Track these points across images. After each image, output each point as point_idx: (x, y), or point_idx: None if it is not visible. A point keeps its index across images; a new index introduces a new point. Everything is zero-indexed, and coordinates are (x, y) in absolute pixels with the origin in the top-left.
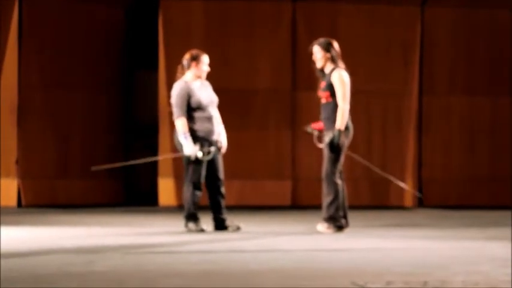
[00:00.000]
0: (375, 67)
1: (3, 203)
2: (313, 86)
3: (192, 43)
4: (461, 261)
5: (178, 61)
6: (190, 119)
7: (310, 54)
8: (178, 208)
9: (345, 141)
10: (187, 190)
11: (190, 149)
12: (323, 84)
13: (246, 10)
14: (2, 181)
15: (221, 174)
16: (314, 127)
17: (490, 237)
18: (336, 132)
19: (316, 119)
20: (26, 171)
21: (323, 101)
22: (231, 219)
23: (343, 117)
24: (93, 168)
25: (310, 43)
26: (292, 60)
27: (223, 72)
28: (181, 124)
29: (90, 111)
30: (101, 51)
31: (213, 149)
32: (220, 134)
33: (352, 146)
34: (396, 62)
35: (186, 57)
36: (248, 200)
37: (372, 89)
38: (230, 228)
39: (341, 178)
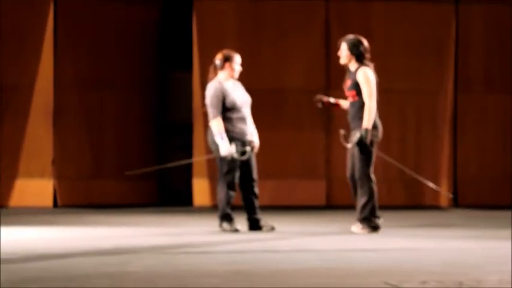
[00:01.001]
0: (409, 66)
1: (39, 204)
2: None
3: (224, 43)
4: (496, 260)
5: (212, 61)
6: (224, 119)
7: (338, 48)
8: (212, 208)
9: (375, 140)
10: (221, 190)
11: (226, 149)
12: (348, 82)
13: (278, 10)
14: (38, 182)
15: (255, 175)
16: (325, 102)
17: None
18: (364, 132)
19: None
20: (62, 172)
21: (349, 99)
22: (265, 220)
23: (370, 115)
24: (127, 172)
25: None
26: (325, 60)
27: (256, 72)
28: (217, 124)
29: (124, 112)
30: (135, 51)
31: (248, 149)
32: (253, 134)
33: (386, 146)
34: (431, 61)
35: (219, 57)
36: (282, 200)
37: (406, 88)
38: (264, 228)
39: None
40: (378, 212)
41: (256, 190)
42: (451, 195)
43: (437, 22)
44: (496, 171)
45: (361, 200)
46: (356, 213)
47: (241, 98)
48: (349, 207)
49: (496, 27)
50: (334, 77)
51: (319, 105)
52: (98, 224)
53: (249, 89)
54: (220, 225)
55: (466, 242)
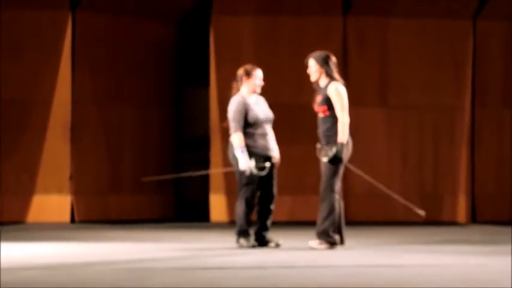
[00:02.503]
0: (427, 81)
1: (56, 219)
2: (364, 101)
3: (242, 58)
4: None
5: (229, 76)
6: (246, 134)
7: (306, 66)
8: (229, 224)
9: (346, 155)
10: (239, 206)
11: (246, 163)
12: (319, 98)
13: (296, 25)
14: (56, 197)
15: (275, 191)
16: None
17: None
18: (339, 146)
19: (367, 134)
20: (79, 187)
21: (320, 115)
22: (271, 235)
23: (344, 129)
24: (144, 179)
25: (360, 58)
26: (342, 75)
27: (273, 87)
28: (238, 138)
29: (141, 126)
30: (152, 66)
31: (268, 164)
32: (274, 150)
33: (404, 160)
34: (448, 76)
35: (239, 72)
36: (299, 215)
37: (423, 104)
38: (270, 244)
39: (339, 193)
40: (344, 230)
41: (272, 207)
42: (423, 213)
43: (454, 37)
44: None
45: (321, 214)
46: (315, 227)
47: (263, 113)
48: (366, 223)
49: None
50: (352, 92)
51: (318, 146)
52: (115, 240)
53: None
54: (238, 241)
55: (485, 258)
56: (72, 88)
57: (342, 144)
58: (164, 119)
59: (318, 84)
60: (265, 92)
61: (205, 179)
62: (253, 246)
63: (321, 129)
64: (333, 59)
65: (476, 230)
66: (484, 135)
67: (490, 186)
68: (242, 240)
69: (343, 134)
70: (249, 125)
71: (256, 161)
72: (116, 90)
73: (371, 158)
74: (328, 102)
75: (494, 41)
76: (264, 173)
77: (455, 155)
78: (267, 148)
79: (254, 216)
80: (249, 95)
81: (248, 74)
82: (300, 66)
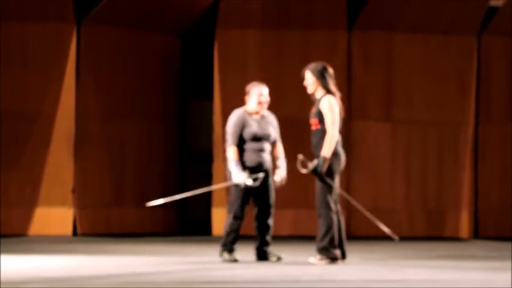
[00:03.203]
0: (431, 96)
1: (59, 232)
2: (368, 115)
3: (247, 72)
4: None
5: (233, 89)
6: (242, 149)
7: (303, 78)
8: None
9: (336, 168)
10: (227, 220)
11: (238, 177)
12: (313, 110)
13: (301, 39)
14: (59, 210)
15: (271, 205)
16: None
17: None
18: (321, 160)
19: (371, 148)
20: (82, 200)
21: (312, 128)
22: (272, 250)
23: (330, 144)
24: (148, 204)
25: (365, 72)
26: (347, 90)
27: (278, 102)
28: (232, 152)
29: (145, 140)
30: (157, 79)
31: (261, 175)
32: (280, 167)
33: (408, 176)
34: (453, 91)
35: (246, 88)
36: (302, 229)
37: (428, 119)
38: (270, 258)
39: (336, 207)
40: (345, 244)
41: (270, 222)
42: (396, 238)
43: (459, 53)
44: None
45: (320, 230)
46: (315, 244)
47: (262, 131)
48: (369, 237)
49: None
50: (357, 107)
51: (300, 157)
52: (117, 253)
53: None
54: (221, 255)
55: (487, 273)
56: (76, 101)
57: (324, 158)
58: (168, 132)
59: (315, 96)
60: (270, 106)
61: (208, 193)
62: (235, 261)
63: (312, 142)
64: (330, 70)
65: (479, 246)
66: (488, 151)
67: (493, 201)
68: (225, 254)
69: (329, 148)
70: (244, 140)
71: (249, 174)
72: (119, 103)
73: (374, 172)
74: (319, 115)
75: (498, 57)
76: (257, 183)
77: (459, 170)
78: (261, 164)
79: (254, 231)
80: (253, 111)
81: (247, 93)
82: (304, 81)
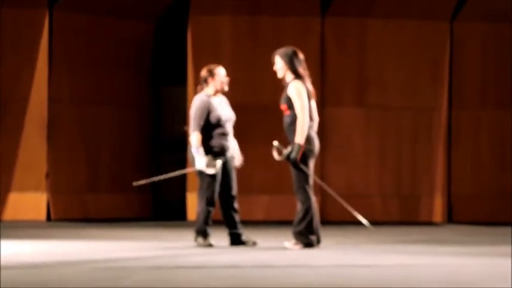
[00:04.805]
0: (405, 82)
1: (32, 217)
2: (342, 101)
3: (220, 58)
4: (491, 278)
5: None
6: (206, 134)
7: (273, 63)
8: None
9: (309, 154)
10: (199, 205)
11: (201, 163)
12: (283, 95)
13: (274, 25)
14: (32, 195)
15: (234, 190)
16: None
17: None
18: (296, 147)
19: (344, 134)
20: (56, 186)
21: (284, 113)
22: (247, 235)
23: (302, 130)
24: (135, 183)
25: (338, 58)
26: (320, 76)
27: (251, 87)
28: (195, 138)
29: (119, 126)
30: (130, 65)
31: (218, 162)
32: (234, 150)
33: (382, 161)
34: (426, 77)
35: (203, 73)
36: (276, 215)
37: (401, 104)
38: (247, 244)
39: (312, 192)
40: (319, 231)
41: (236, 205)
42: (368, 224)
43: (432, 38)
44: (491, 187)
45: (297, 215)
46: (292, 228)
47: (226, 114)
48: (344, 222)
49: (491, 44)
50: (330, 93)
51: (275, 144)
52: (92, 238)
53: (243, 104)
54: (195, 240)
55: (461, 258)
56: (49, 86)
57: (298, 145)
58: (142, 117)
59: (285, 81)
60: (243, 92)
61: (182, 178)
62: (210, 245)
63: (285, 128)
64: (300, 55)
65: (453, 230)
66: (461, 136)
67: (466, 187)
68: (200, 239)
69: (301, 134)
70: (211, 125)
71: (209, 160)
72: (93, 88)
73: (348, 158)
74: (288, 101)
75: (471, 42)
76: (216, 170)
77: (432, 156)
78: (227, 148)
79: (222, 217)
80: (214, 95)
81: (212, 74)
82: None
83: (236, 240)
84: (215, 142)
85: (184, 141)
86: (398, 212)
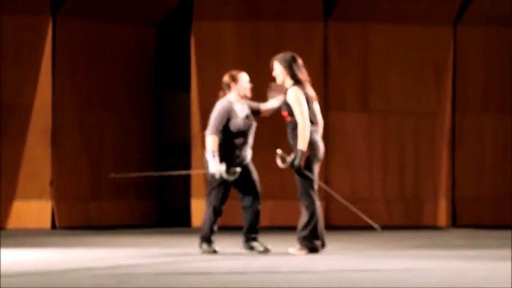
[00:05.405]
0: (408, 86)
1: (37, 225)
2: (345, 106)
3: (223, 63)
4: (495, 281)
5: (210, 81)
6: (225, 142)
7: (271, 69)
8: None
9: (313, 159)
10: (206, 212)
11: (215, 167)
12: (283, 102)
13: (277, 30)
14: (36, 203)
15: (258, 191)
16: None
17: None
18: (298, 153)
19: (348, 139)
20: (60, 193)
21: (285, 120)
22: (260, 241)
23: (303, 136)
24: (112, 175)
25: (341, 63)
26: (323, 81)
27: (255, 93)
28: (211, 141)
29: (122, 131)
30: (133, 71)
31: (238, 169)
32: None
33: (385, 166)
34: (429, 81)
35: (225, 79)
36: (280, 220)
37: (404, 109)
38: (260, 249)
39: (317, 197)
40: (324, 236)
41: (260, 208)
42: (378, 228)
43: (435, 43)
44: (495, 190)
45: (301, 220)
46: (296, 233)
47: (246, 123)
48: (348, 227)
49: (493, 48)
50: (333, 98)
51: (279, 152)
52: (96, 245)
53: None
54: (200, 246)
55: (465, 262)
56: (53, 93)
57: (301, 152)
58: (145, 124)
59: (285, 87)
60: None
61: (187, 184)
62: (215, 252)
63: (287, 133)
64: (298, 60)
65: (457, 234)
66: (465, 140)
67: (470, 190)
68: (204, 246)
69: (303, 140)
70: (230, 133)
71: (228, 166)
72: (96, 95)
73: (352, 163)
74: (288, 107)
75: (474, 46)
76: (234, 177)
77: (436, 160)
78: (244, 158)
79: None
80: (237, 101)
81: (235, 80)
82: None
83: (250, 245)
84: (232, 152)
85: (187, 147)
86: (402, 216)
